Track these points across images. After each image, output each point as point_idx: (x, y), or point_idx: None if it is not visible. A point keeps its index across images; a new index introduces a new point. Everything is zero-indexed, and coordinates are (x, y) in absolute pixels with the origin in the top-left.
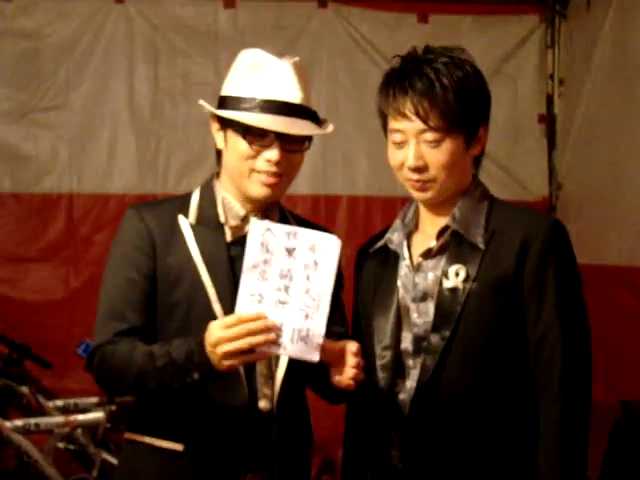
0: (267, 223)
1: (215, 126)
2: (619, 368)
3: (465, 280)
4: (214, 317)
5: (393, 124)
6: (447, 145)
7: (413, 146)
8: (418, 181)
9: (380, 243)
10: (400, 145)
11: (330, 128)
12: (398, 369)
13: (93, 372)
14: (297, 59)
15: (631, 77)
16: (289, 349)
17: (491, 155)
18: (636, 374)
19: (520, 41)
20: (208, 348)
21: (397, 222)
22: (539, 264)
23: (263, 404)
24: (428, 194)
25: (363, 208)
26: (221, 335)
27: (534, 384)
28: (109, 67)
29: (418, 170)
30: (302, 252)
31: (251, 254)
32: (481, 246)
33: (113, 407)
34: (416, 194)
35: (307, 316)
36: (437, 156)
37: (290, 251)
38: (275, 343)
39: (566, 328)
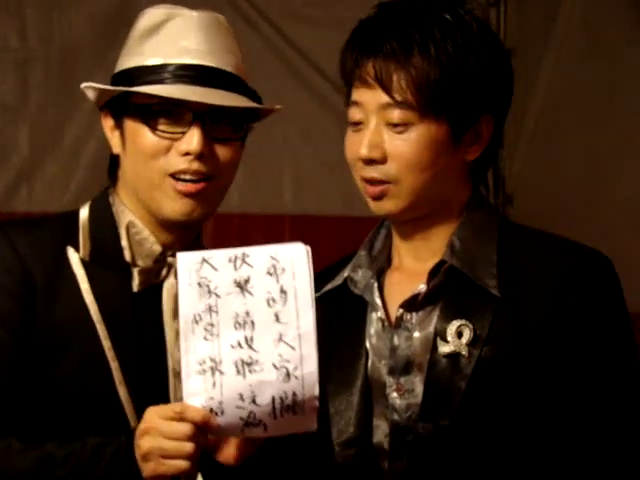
0: (202, 253)
1: (108, 124)
2: None
3: (472, 343)
4: (118, 403)
5: (352, 95)
6: (419, 132)
7: (371, 127)
8: (372, 181)
9: (335, 283)
10: (357, 127)
11: (277, 106)
12: (368, 475)
13: None
14: (219, 15)
15: (614, 42)
16: (272, 428)
17: None
18: None
19: None
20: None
21: (361, 254)
22: (580, 317)
23: None
24: (387, 204)
25: (236, 228)
26: (154, 425)
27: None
28: None
29: (372, 163)
30: (260, 281)
31: (187, 303)
32: (494, 292)
33: None
34: (371, 204)
35: (288, 374)
36: (401, 146)
37: (242, 285)
38: (253, 424)
39: (616, 415)
